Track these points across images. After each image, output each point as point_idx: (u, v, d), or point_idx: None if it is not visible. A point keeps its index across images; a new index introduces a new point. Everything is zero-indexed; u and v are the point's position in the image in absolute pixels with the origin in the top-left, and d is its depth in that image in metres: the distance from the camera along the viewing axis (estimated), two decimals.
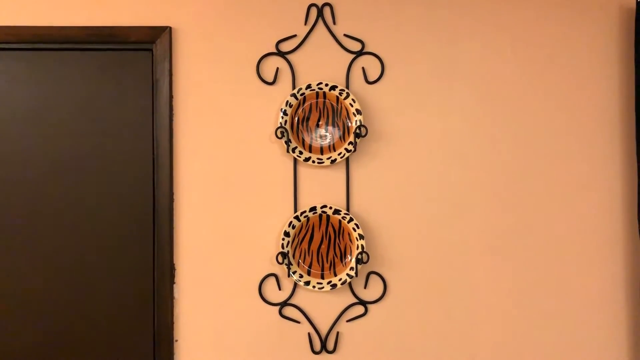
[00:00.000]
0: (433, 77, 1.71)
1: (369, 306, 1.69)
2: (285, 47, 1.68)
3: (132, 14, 1.67)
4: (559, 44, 1.73)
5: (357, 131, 1.64)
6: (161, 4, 1.67)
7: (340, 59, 1.69)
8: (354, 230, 1.65)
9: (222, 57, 1.67)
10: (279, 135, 1.64)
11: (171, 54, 1.65)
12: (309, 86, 1.66)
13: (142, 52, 1.68)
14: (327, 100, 1.68)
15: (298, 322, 1.67)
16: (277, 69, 1.68)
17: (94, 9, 1.66)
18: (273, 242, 1.67)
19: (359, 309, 1.68)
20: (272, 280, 1.67)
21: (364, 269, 1.68)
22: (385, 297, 1.69)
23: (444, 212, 1.70)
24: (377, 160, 1.69)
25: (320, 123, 1.69)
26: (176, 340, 1.66)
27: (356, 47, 1.69)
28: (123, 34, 1.65)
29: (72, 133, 1.67)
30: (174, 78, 1.67)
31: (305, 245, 1.67)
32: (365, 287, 1.68)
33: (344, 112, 1.68)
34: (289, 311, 1.67)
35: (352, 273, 1.64)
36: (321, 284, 1.65)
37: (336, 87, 1.66)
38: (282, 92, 1.68)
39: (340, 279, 1.65)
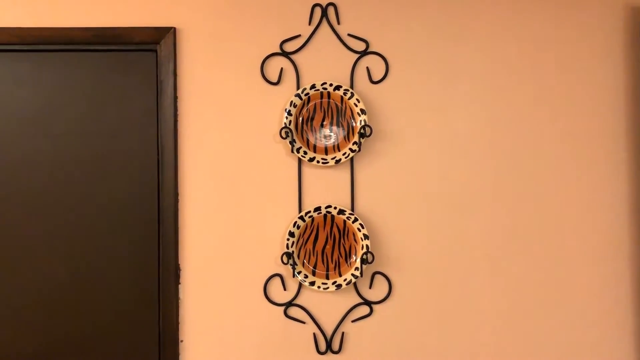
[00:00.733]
0: (438, 77, 1.70)
1: (374, 306, 1.68)
2: (290, 47, 1.68)
3: (137, 14, 1.67)
4: (564, 44, 1.72)
5: (362, 131, 1.64)
6: (165, 4, 1.67)
7: (344, 58, 1.69)
8: (359, 230, 1.65)
9: (227, 57, 1.67)
10: (284, 135, 1.63)
11: (175, 55, 1.66)
12: (313, 86, 1.65)
13: (147, 52, 1.68)
14: (331, 100, 1.68)
15: (303, 323, 1.67)
16: (282, 69, 1.68)
17: (98, 10, 1.66)
18: (278, 243, 1.67)
19: (364, 309, 1.68)
20: (277, 280, 1.67)
21: (368, 269, 1.67)
22: (390, 297, 1.68)
23: (448, 212, 1.69)
24: (382, 160, 1.69)
25: (324, 123, 1.68)
26: (181, 341, 1.66)
27: (360, 46, 1.69)
28: (127, 34, 1.65)
29: (76, 134, 1.67)
30: (178, 79, 1.67)
31: (310, 245, 1.67)
32: (370, 288, 1.68)
33: (349, 112, 1.67)
34: (294, 311, 1.67)
35: (357, 273, 1.64)
36: (326, 284, 1.65)
37: (340, 87, 1.66)
38: (287, 92, 1.68)
39: (345, 279, 1.65)
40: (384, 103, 1.69)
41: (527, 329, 1.70)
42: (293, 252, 1.64)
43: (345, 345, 1.68)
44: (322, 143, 1.68)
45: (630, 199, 1.72)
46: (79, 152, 1.67)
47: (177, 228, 1.66)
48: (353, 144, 1.65)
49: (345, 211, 1.65)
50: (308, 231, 1.67)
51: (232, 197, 1.67)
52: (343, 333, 1.67)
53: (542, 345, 1.70)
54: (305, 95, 1.66)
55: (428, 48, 1.70)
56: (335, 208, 1.65)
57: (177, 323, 1.65)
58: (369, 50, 1.69)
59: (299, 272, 1.64)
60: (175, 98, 1.66)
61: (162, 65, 1.65)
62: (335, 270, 1.67)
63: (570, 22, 1.72)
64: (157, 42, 1.65)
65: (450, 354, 1.69)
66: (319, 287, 1.64)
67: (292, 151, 1.63)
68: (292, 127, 1.65)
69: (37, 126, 1.67)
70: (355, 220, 1.64)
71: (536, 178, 1.71)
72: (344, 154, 1.65)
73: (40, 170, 1.66)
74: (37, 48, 1.66)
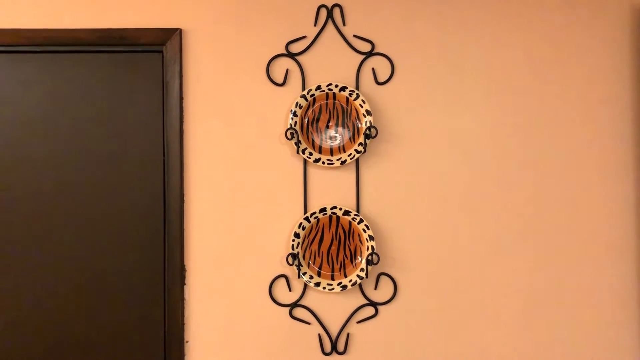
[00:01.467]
0: (443, 77, 1.70)
1: (380, 307, 1.68)
2: (295, 48, 1.69)
3: (143, 16, 1.67)
4: (571, 44, 1.72)
5: (367, 132, 1.64)
6: (171, 6, 1.68)
7: (350, 59, 1.69)
8: (364, 231, 1.65)
9: (232, 58, 1.68)
10: (289, 136, 1.64)
11: (181, 56, 1.66)
12: (318, 87, 1.66)
13: (153, 54, 1.68)
14: (337, 101, 1.68)
15: (308, 323, 1.67)
16: (287, 70, 1.68)
17: (105, 11, 1.67)
18: (283, 243, 1.67)
19: (370, 310, 1.68)
20: (283, 281, 1.67)
21: (374, 270, 1.67)
22: (395, 298, 1.68)
23: (454, 213, 1.69)
24: (387, 161, 1.69)
25: (330, 124, 1.68)
26: (187, 341, 1.66)
27: (366, 47, 1.69)
28: (133, 36, 1.66)
29: (82, 135, 1.68)
30: (184, 80, 1.67)
31: (315, 246, 1.67)
32: (375, 289, 1.68)
33: (354, 113, 1.68)
34: (299, 312, 1.67)
35: (362, 274, 1.64)
36: (331, 285, 1.65)
37: (346, 88, 1.66)
38: (292, 93, 1.68)
39: (350, 280, 1.65)
40: (390, 104, 1.69)
41: (533, 330, 1.69)
42: (298, 253, 1.64)
43: (351, 346, 1.68)
44: (327, 144, 1.68)
45: (637, 200, 1.71)
46: (84, 152, 1.68)
47: (183, 228, 1.66)
48: (358, 145, 1.65)
49: (351, 212, 1.65)
50: (313, 232, 1.67)
51: (238, 197, 1.67)
52: (348, 334, 1.67)
53: (549, 346, 1.69)
54: (311, 96, 1.66)
55: (434, 49, 1.70)
56: (340, 209, 1.65)
57: (183, 324, 1.66)
58: (374, 51, 1.69)
59: (304, 273, 1.64)
60: (181, 99, 1.67)
61: (168, 66, 1.66)
62: (340, 271, 1.67)
63: (577, 21, 1.72)
64: (163, 44, 1.66)
65: (456, 355, 1.68)
66: (324, 288, 1.64)
67: (298, 152, 1.64)
68: (297, 128, 1.65)
69: (44, 127, 1.67)
70: (361, 221, 1.64)
71: (543, 179, 1.70)
72: (349, 155, 1.65)
73: (46, 171, 1.67)
74: (43, 49, 1.67)
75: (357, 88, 1.68)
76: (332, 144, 1.68)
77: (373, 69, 1.69)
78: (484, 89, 1.70)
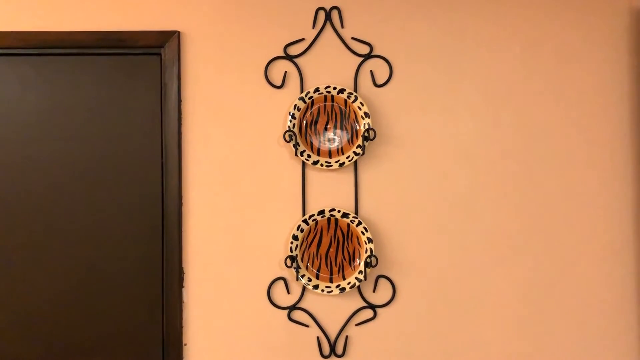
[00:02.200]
0: (441, 79, 1.70)
1: (378, 310, 1.68)
2: (294, 50, 1.69)
3: (141, 18, 1.67)
4: (568, 46, 1.72)
5: (366, 134, 1.64)
6: (170, 8, 1.68)
7: (348, 62, 1.69)
8: (363, 233, 1.65)
9: (231, 61, 1.68)
10: (287, 138, 1.64)
11: (180, 58, 1.66)
12: (317, 89, 1.66)
13: (151, 56, 1.68)
14: (335, 104, 1.68)
15: (307, 326, 1.67)
16: (285, 72, 1.68)
17: (103, 14, 1.67)
18: (281, 246, 1.67)
19: (368, 313, 1.68)
20: (281, 283, 1.67)
21: (372, 273, 1.67)
22: (394, 300, 1.68)
23: (453, 215, 1.69)
24: (386, 163, 1.69)
25: (328, 126, 1.68)
26: (185, 344, 1.66)
27: (364, 50, 1.69)
28: (132, 38, 1.66)
29: (80, 137, 1.68)
30: (182, 82, 1.67)
31: (313, 248, 1.67)
32: (374, 291, 1.68)
33: (352, 115, 1.68)
34: (297, 315, 1.67)
35: (361, 277, 1.64)
36: (330, 287, 1.65)
37: (344, 90, 1.66)
38: (290, 96, 1.68)
39: (349, 283, 1.65)
40: (388, 106, 1.69)
41: (533, 332, 1.69)
42: (297, 255, 1.64)
43: (349, 349, 1.67)
44: (326, 146, 1.68)
45: (635, 201, 1.71)
46: (83, 155, 1.67)
47: (181, 231, 1.66)
48: (357, 147, 1.65)
49: (349, 214, 1.65)
50: (312, 234, 1.67)
51: (236, 200, 1.67)
52: (347, 337, 1.67)
53: (548, 348, 1.69)
54: (309, 98, 1.66)
55: (432, 51, 1.71)
56: (339, 211, 1.65)
57: (181, 326, 1.65)
58: (372, 53, 1.69)
59: (303, 276, 1.64)
60: (179, 101, 1.66)
61: (166, 68, 1.66)
62: (339, 273, 1.67)
63: (575, 24, 1.72)
64: (162, 46, 1.66)
65: (455, 358, 1.68)
66: (322, 290, 1.64)
67: (296, 154, 1.63)
68: (296, 130, 1.65)
69: (42, 130, 1.67)
70: (359, 223, 1.64)
71: (541, 181, 1.70)
72: (347, 158, 1.65)
73: (44, 174, 1.67)
74: (41, 52, 1.66)
75: (356, 90, 1.68)
76: (331, 146, 1.68)
77: (371, 71, 1.69)
78: (482, 91, 1.71)
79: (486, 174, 1.70)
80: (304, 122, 1.68)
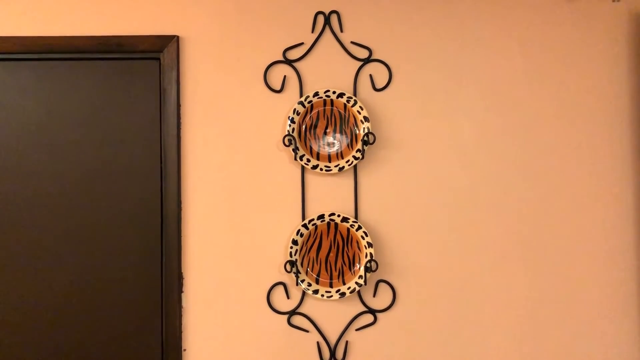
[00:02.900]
0: (441, 83, 1.70)
1: (378, 315, 1.67)
2: (293, 55, 1.68)
3: (140, 23, 1.67)
4: (568, 49, 1.72)
5: (365, 138, 1.63)
6: (169, 13, 1.68)
7: (347, 66, 1.69)
8: (363, 238, 1.64)
9: (230, 65, 1.68)
10: (287, 143, 1.63)
11: (179, 63, 1.66)
12: (316, 94, 1.65)
13: (150, 61, 1.68)
14: (334, 108, 1.67)
15: (307, 331, 1.66)
16: (285, 77, 1.68)
17: (102, 18, 1.67)
18: (281, 251, 1.66)
19: (368, 318, 1.67)
20: (281, 288, 1.66)
21: (372, 277, 1.66)
22: (394, 305, 1.67)
23: (453, 219, 1.68)
24: (386, 167, 1.69)
25: (327, 131, 1.68)
26: (184, 350, 1.65)
27: (363, 54, 1.69)
28: (131, 43, 1.66)
29: (80, 142, 1.67)
30: (181, 87, 1.67)
31: (313, 253, 1.66)
32: (374, 296, 1.67)
33: (352, 120, 1.67)
34: (297, 320, 1.66)
35: (361, 281, 1.63)
36: (330, 292, 1.64)
37: (344, 94, 1.65)
38: (290, 100, 1.68)
39: (349, 288, 1.64)
40: (388, 110, 1.69)
41: (534, 336, 1.68)
42: (296, 260, 1.64)
43: (349, 354, 1.67)
44: (325, 151, 1.68)
45: (635, 202, 1.71)
46: (82, 160, 1.67)
47: (180, 236, 1.65)
48: (356, 152, 1.65)
49: (349, 219, 1.64)
50: (311, 239, 1.66)
51: (235, 204, 1.66)
52: (347, 342, 1.66)
53: (550, 351, 1.68)
54: (309, 102, 1.66)
55: (432, 55, 1.70)
56: (338, 216, 1.64)
57: (180, 331, 1.64)
58: (372, 57, 1.69)
59: (303, 281, 1.64)
60: (179, 106, 1.66)
61: (165, 73, 1.66)
62: (338, 278, 1.66)
63: (575, 28, 1.72)
64: (161, 51, 1.66)
65: None
66: (322, 295, 1.63)
67: (296, 159, 1.63)
68: (295, 134, 1.65)
69: (41, 134, 1.67)
70: (359, 228, 1.64)
71: (541, 184, 1.70)
72: (347, 162, 1.65)
73: (43, 178, 1.66)
74: (41, 57, 1.66)
75: (355, 94, 1.68)
76: (330, 151, 1.68)
77: (371, 75, 1.69)
78: (481, 95, 1.70)
79: (486, 178, 1.69)
80: (304, 126, 1.67)
